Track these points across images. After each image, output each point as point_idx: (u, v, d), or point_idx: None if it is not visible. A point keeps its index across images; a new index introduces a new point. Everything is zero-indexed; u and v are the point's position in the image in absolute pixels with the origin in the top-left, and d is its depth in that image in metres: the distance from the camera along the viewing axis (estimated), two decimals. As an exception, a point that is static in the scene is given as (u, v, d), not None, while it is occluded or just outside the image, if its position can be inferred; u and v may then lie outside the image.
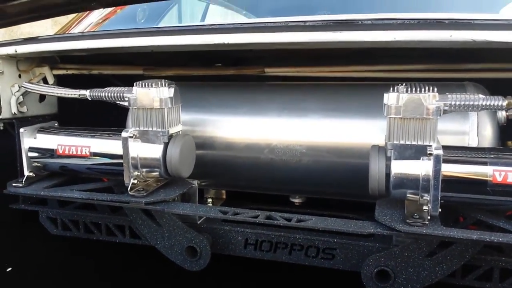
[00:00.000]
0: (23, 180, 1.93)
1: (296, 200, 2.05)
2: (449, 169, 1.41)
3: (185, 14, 3.48)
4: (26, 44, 1.95)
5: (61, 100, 2.37)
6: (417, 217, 1.43)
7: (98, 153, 1.82)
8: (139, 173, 1.75)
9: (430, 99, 1.39)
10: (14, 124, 2.07)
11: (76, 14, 3.27)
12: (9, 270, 2.24)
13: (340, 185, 1.83)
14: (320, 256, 1.80)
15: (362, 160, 1.67)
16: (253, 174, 1.92)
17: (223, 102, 2.01)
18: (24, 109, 2.15)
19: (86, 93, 1.77)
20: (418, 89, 1.41)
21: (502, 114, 1.65)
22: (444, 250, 1.56)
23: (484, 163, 1.40)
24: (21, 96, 2.13)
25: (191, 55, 2.15)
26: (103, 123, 2.04)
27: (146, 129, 1.72)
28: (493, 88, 1.71)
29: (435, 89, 1.40)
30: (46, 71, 2.23)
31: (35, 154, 1.94)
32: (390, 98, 1.43)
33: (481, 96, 1.38)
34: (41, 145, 1.92)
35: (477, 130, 1.61)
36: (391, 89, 1.43)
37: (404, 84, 1.43)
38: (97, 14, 3.16)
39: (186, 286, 2.13)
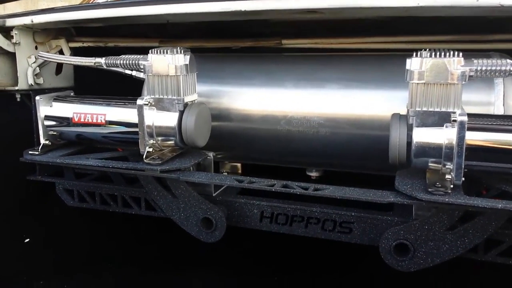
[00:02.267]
0: (39, 148, 1.93)
1: (313, 174, 2.01)
2: (474, 137, 1.36)
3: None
4: (42, 14, 1.94)
5: (77, 73, 2.37)
6: (439, 186, 1.38)
7: (114, 121, 1.81)
8: (154, 142, 1.74)
9: (455, 63, 1.33)
10: (31, 95, 2.08)
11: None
12: (27, 241, 2.27)
13: (358, 157, 1.79)
14: (337, 230, 1.77)
15: (382, 131, 1.63)
16: (269, 146, 1.89)
17: (239, 73, 1.98)
18: (40, 80, 2.15)
19: (102, 61, 1.76)
20: (443, 54, 1.35)
21: (529, 84, 1.59)
22: (466, 223, 1.51)
23: (510, 131, 1.34)
24: (37, 68, 2.13)
25: (207, 29, 2.11)
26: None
27: (161, 96, 1.70)
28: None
29: (460, 54, 1.35)
30: (62, 43, 2.23)
31: (51, 123, 1.94)
32: (413, 63, 1.38)
33: (508, 61, 1.32)
34: (57, 113, 1.92)
35: (503, 100, 1.55)
36: (414, 54, 1.38)
37: (427, 49, 1.38)
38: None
39: (200, 259, 2.12)
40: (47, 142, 1.97)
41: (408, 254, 1.57)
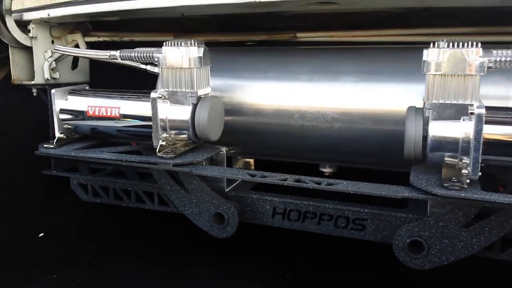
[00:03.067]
0: (54, 141, 1.95)
1: (326, 170, 1.99)
2: (492, 130, 1.33)
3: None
4: (59, 7, 1.96)
5: (93, 69, 2.39)
6: (455, 181, 1.35)
7: (128, 114, 1.82)
8: (167, 135, 1.74)
9: (473, 54, 1.30)
10: (47, 90, 2.10)
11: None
12: (42, 236, 2.29)
13: (373, 152, 1.76)
14: (350, 227, 1.74)
15: (397, 126, 1.60)
16: (282, 141, 1.88)
17: (253, 67, 1.97)
18: (56, 75, 2.18)
19: (116, 53, 1.77)
20: (461, 44, 1.32)
21: (549, 78, 1.55)
22: (482, 220, 1.47)
23: (530, 125, 1.31)
24: (53, 62, 2.15)
25: (221, 23, 2.11)
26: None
27: (175, 89, 1.70)
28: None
29: (479, 44, 1.31)
30: (78, 38, 2.25)
31: (66, 116, 1.96)
32: (430, 54, 1.35)
33: (529, 52, 1.29)
34: (72, 106, 1.94)
35: (523, 94, 1.52)
36: (432, 45, 1.35)
37: (445, 40, 1.35)
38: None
39: (213, 255, 2.11)
40: (62, 135, 1.99)
41: (422, 251, 1.54)
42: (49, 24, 2.13)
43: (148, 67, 1.94)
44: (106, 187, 2.18)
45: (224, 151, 1.92)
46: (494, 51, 1.31)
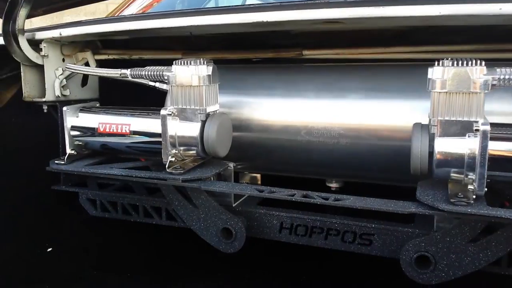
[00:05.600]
0: (65, 157, 1.99)
1: (333, 185, 2.01)
2: (497, 147, 1.35)
3: (222, 1, 3.51)
4: (70, 27, 2.01)
5: (102, 86, 2.43)
6: (462, 196, 1.37)
7: (138, 131, 1.86)
8: (176, 151, 1.77)
9: (478, 72, 1.33)
10: (57, 107, 2.14)
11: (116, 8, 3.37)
12: (50, 250, 2.31)
13: (379, 168, 1.78)
14: (357, 242, 1.75)
15: (403, 142, 1.62)
16: (289, 156, 1.90)
17: (260, 84, 2.00)
18: (67, 92, 2.22)
19: (127, 72, 1.81)
20: (465, 62, 1.35)
21: (554, 94, 1.57)
22: (489, 235, 1.49)
23: (535, 141, 1.33)
24: (64, 80, 2.19)
25: (229, 41, 2.15)
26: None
27: (184, 107, 1.73)
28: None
29: (483, 62, 1.34)
30: (88, 56, 2.29)
31: (77, 133, 1.99)
32: (435, 72, 1.38)
33: (533, 69, 1.31)
34: (83, 123, 1.98)
35: (527, 110, 1.54)
36: (436, 63, 1.38)
37: (449, 58, 1.38)
38: (136, 7, 3.22)
39: (219, 269, 2.12)
40: (73, 152, 2.02)
41: (429, 266, 1.55)
42: (61, 43, 2.18)
43: (157, 85, 1.97)
44: (115, 202, 2.20)
45: (232, 166, 1.94)
46: (498, 69, 1.34)
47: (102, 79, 2.35)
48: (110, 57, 2.32)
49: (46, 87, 2.14)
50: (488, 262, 1.51)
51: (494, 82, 1.33)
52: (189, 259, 2.24)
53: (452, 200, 1.37)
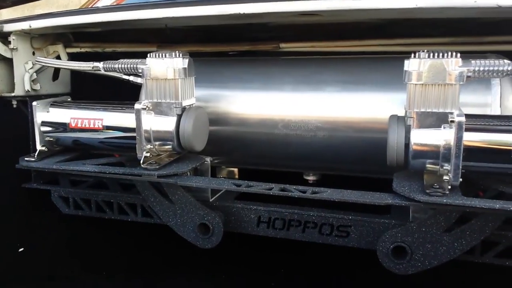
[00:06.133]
0: (36, 154, 1.92)
1: (310, 178, 2.01)
2: (471, 138, 1.36)
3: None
4: (40, 19, 1.94)
5: (74, 79, 2.37)
6: (437, 187, 1.38)
7: (111, 126, 1.81)
8: (152, 146, 1.73)
9: (453, 64, 1.35)
10: (28, 102, 2.07)
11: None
12: (21, 250, 2.24)
13: (356, 160, 1.79)
14: (334, 234, 1.76)
15: (379, 134, 1.63)
16: (267, 150, 1.89)
17: (237, 77, 1.98)
18: (37, 86, 2.15)
19: (100, 65, 1.76)
20: (441, 54, 1.36)
21: (526, 86, 1.61)
22: (463, 225, 1.51)
23: (508, 131, 1.35)
24: (34, 74, 2.12)
25: (205, 33, 2.12)
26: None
27: (159, 101, 1.70)
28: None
29: (458, 54, 1.36)
30: (59, 49, 2.23)
31: (48, 128, 1.93)
32: (411, 64, 1.39)
33: (506, 61, 1.34)
34: (54, 119, 1.91)
35: (500, 101, 1.57)
36: (412, 55, 1.39)
37: (426, 50, 1.39)
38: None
39: (198, 265, 2.10)
40: (43, 148, 1.95)
41: (406, 257, 1.57)
42: (30, 36, 2.10)
43: (131, 78, 1.92)
44: (88, 200, 2.15)
45: (209, 161, 1.92)
46: (473, 61, 1.36)
47: (74, 73, 2.28)
48: (83, 50, 2.26)
49: (15, 81, 2.07)
50: (462, 251, 1.54)
51: (469, 74, 1.35)
52: (167, 255, 2.21)
53: (427, 191, 1.38)
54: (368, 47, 1.86)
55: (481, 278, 1.86)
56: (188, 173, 1.81)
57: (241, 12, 1.57)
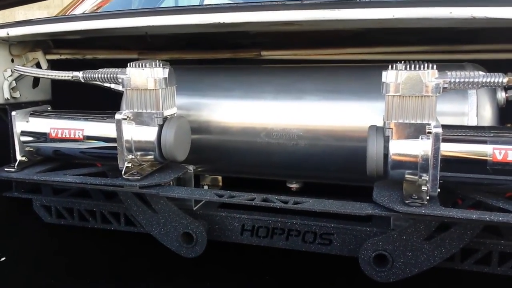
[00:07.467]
0: (15, 164, 1.90)
1: (293, 186, 2.02)
2: (448, 148, 1.38)
3: (182, 1, 3.44)
4: (18, 26, 1.92)
5: (54, 87, 2.34)
6: (416, 197, 1.40)
7: (92, 136, 1.79)
8: (133, 157, 1.72)
9: (429, 76, 1.36)
10: (7, 110, 2.04)
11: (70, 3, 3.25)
12: (3, 260, 2.21)
13: (338, 168, 1.80)
14: (317, 242, 1.77)
15: (360, 143, 1.64)
16: (249, 158, 1.89)
17: (218, 85, 1.98)
18: (17, 94, 2.12)
19: (79, 74, 1.74)
20: (417, 66, 1.38)
21: (501, 95, 1.63)
22: (442, 233, 1.53)
23: (484, 142, 1.37)
24: (14, 81, 2.09)
25: (187, 41, 2.11)
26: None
27: (140, 111, 1.68)
28: (493, 69, 1.67)
29: (434, 66, 1.37)
30: (39, 56, 2.20)
31: (28, 138, 1.90)
32: (388, 75, 1.40)
33: (481, 73, 1.36)
34: (34, 128, 1.89)
35: (477, 111, 1.59)
36: (390, 67, 1.41)
37: (402, 62, 1.40)
38: (91, 2, 3.11)
39: (182, 274, 2.10)
40: (23, 158, 1.93)
41: (387, 264, 1.58)
42: (9, 43, 2.07)
43: (112, 86, 1.91)
44: (71, 208, 2.13)
45: (192, 169, 1.92)
46: (449, 73, 1.38)
47: (55, 80, 2.25)
48: (63, 57, 2.24)
49: (-6, 89, 2.04)
50: (442, 259, 1.56)
51: (445, 85, 1.37)
52: (150, 263, 2.20)
53: (406, 201, 1.40)
54: (346, 56, 1.87)
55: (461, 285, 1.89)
56: (171, 183, 1.81)
57: (221, 21, 1.58)
